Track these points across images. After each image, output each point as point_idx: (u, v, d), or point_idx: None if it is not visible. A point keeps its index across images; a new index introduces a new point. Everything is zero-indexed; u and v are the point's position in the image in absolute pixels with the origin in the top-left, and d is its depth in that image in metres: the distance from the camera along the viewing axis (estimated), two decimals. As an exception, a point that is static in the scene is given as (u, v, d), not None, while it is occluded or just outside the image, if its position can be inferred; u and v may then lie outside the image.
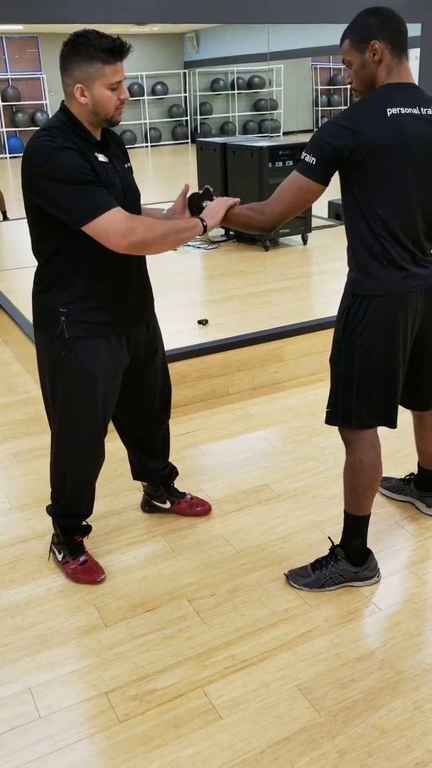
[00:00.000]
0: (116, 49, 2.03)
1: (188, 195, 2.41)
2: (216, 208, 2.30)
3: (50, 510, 2.57)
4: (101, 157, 2.15)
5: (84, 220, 2.04)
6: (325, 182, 2.10)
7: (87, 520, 2.62)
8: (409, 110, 2.05)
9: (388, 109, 2.04)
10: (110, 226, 2.03)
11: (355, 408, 2.28)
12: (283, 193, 2.16)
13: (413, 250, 2.16)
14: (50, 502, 2.57)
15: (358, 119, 2.04)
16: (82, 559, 2.56)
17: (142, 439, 2.71)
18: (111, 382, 2.37)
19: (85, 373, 2.29)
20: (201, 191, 2.41)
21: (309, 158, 2.07)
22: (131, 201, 2.25)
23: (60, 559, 2.58)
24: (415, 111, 2.07)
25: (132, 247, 2.08)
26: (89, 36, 2.03)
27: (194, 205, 2.38)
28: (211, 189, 2.42)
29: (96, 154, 2.13)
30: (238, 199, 2.33)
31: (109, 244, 2.07)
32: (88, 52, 2.01)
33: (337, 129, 2.04)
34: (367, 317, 2.18)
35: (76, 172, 2.02)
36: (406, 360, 2.29)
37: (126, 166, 2.30)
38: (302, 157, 2.09)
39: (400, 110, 2.04)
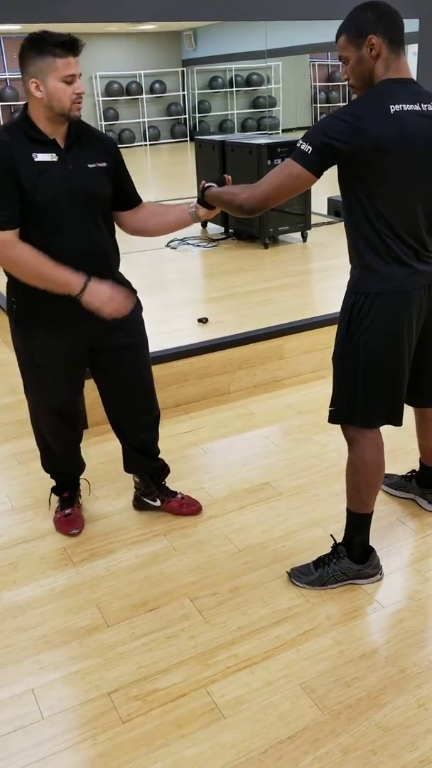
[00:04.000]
0: (66, 43, 2.13)
1: (207, 184, 2.39)
2: (103, 290, 2.26)
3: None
4: (42, 156, 2.20)
5: None
6: (317, 173, 2.06)
7: (90, 481, 2.94)
8: (410, 107, 2.04)
9: (391, 106, 2.01)
10: None
11: (359, 406, 2.27)
12: (272, 176, 2.13)
13: (416, 246, 2.15)
14: None
15: (361, 116, 2.01)
16: (66, 511, 2.82)
17: (127, 433, 2.75)
18: (58, 370, 2.50)
19: (32, 360, 2.49)
20: (217, 181, 2.39)
21: (305, 146, 2.03)
22: (80, 201, 2.28)
23: (53, 503, 2.90)
24: (417, 108, 2.05)
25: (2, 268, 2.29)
26: (42, 34, 2.16)
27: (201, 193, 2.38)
28: (228, 177, 2.39)
29: (36, 153, 2.19)
30: (212, 185, 2.34)
31: None
32: (41, 47, 2.13)
33: (339, 124, 2.01)
34: (372, 315, 2.17)
35: None
36: (411, 358, 2.28)
37: (93, 165, 2.31)
38: (298, 145, 2.05)
39: (402, 107, 2.02)
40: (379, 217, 2.09)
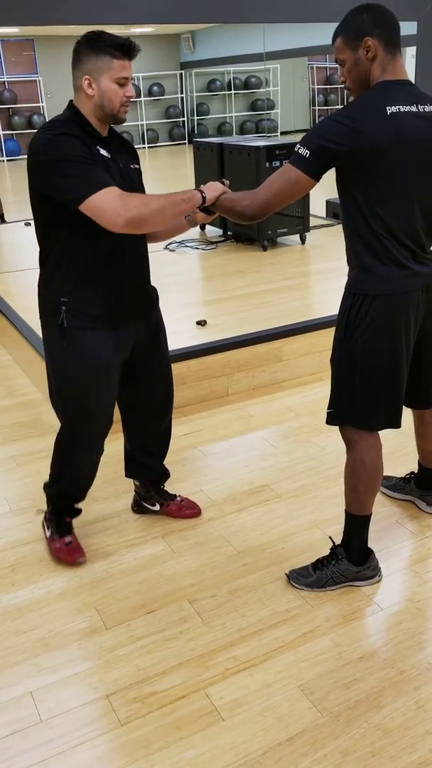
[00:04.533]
0: (125, 46, 2.15)
1: None
2: (215, 185, 2.32)
3: (47, 488, 2.66)
4: (103, 151, 2.20)
5: (79, 198, 2.07)
6: (317, 177, 2.07)
7: (83, 505, 2.70)
8: (407, 108, 2.04)
9: (387, 108, 2.02)
10: (105, 203, 2.06)
11: (357, 408, 2.27)
12: (272, 182, 2.14)
13: (413, 248, 2.15)
14: (48, 481, 2.65)
15: (358, 117, 2.02)
16: (67, 539, 2.65)
17: (142, 434, 2.73)
18: (108, 374, 2.40)
19: (82, 365, 2.34)
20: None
21: (303, 151, 2.04)
22: None
23: (47, 536, 2.69)
24: (414, 109, 2.05)
25: (129, 224, 2.09)
26: (101, 33, 2.17)
27: None
28: (226, 182, 2.42)
29: (98, 147, 2.19)
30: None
31: (105, 222, 2.08)
32: (99, 46, 2.14)
33: (336, 127, 2.01)
34: (370, 316, 2.17)
35: (73, 153, 2.09)
36: (409, 359, 2.29)
37: (132, 166, 2.35)
38: (296, 149, 2.06)
39: (399, 108, 2.03)
40: (376, 219, 2.09)
